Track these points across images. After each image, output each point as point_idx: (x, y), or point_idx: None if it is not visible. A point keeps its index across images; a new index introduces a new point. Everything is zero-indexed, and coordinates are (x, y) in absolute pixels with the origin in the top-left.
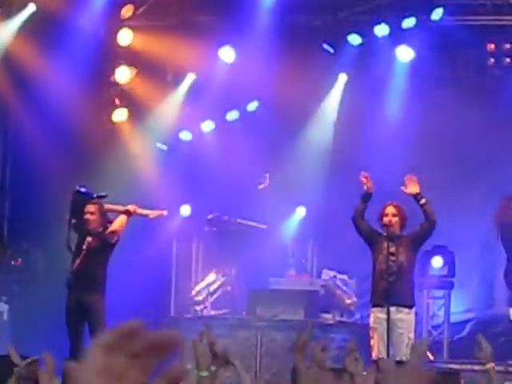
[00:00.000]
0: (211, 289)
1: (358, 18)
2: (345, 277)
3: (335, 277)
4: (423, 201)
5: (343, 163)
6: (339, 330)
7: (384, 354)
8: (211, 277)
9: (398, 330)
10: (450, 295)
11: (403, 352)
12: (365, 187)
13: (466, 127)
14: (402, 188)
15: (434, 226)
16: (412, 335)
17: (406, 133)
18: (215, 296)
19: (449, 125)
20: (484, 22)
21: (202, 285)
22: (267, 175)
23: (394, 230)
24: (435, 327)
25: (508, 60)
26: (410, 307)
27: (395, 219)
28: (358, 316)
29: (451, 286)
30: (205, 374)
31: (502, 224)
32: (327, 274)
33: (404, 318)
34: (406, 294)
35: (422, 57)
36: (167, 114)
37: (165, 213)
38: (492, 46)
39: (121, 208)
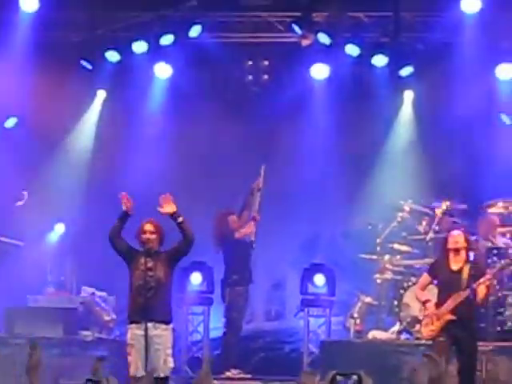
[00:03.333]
0: None
1: (117, 35)
2: (104, 294)
3: (94, 294)
4: (180, 219)
5: (101, 180)
6: (98, 347)
7: (142, 371)
8: None
9: (155, 345)
10: (209, 311)
11: (161, 368)
12: (124, 207)
13: (224, 144)
14: (158, 208)
15: (192, 243)
16: (169, 351)
17: (164, 149)
18: None
19: (206, 142)
20: (242, 40)
21: None
22: (25, 192)
23: (152, 246)
24: (195, 343)
25: (265, 77)
26: (167, 323)
27: (153, 236)
28: (117, 333)
29: (210, 302)
30: None
31: (216, 237)
32: (86, 291)
33: (161, 333)
34: (163, 310)
35: (179, 73)
36: None
37: None
38: (250, 63)
39: None
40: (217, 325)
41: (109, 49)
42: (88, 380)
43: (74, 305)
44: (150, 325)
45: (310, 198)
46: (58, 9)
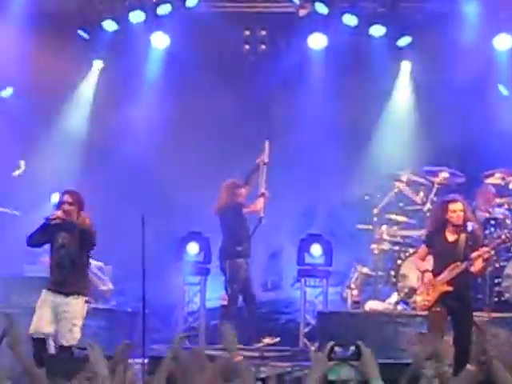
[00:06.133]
0: None
1: (114, 5)
2: (101, 263)
3: (90, 263)
4: None
5: (98, 150)
6: (94, 317)
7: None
8: None
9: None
10: (205, 281)
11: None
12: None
13: (221, 114)
14: None
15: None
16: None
17: (161, 119)
18: None
19: (204, 111)
20: (239, 9)
21: None
22: (22, 161)
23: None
24: (191, 313)
25: (263, 47)
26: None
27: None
28: (113, 303)
29: (207, 272)
30: None
31: (221, 206)
32: None
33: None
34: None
35: (177, 43)
36: None
37: None
38: (247, 33)
39: None
40: (213, 295)
41: (106, 18)
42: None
43: None
44: None
45: (307, 169)
46: None
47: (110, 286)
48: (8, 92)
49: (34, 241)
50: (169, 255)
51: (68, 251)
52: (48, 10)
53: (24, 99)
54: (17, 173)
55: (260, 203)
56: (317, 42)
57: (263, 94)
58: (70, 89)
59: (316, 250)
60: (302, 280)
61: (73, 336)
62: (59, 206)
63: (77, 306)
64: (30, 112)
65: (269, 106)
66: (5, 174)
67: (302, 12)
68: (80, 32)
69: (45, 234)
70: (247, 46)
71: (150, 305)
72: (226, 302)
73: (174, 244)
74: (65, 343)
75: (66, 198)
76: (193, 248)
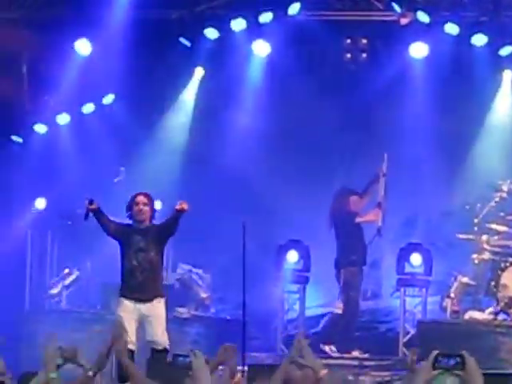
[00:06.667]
0: (66, 282)
1: (216, 12)
2: (200, 271)
3: (191, 271)
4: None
5: (199, 157)
6: (194, 324)
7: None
8: (66, 271)
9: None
10: (305, 289)
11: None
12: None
13: (322, 122)
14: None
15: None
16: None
17: (262, 127)
18: (70, 290)
19: (305, 118)
20: (341, 18)
21: (57, 278)
22: (123, 168)
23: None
24: (290, 321)
25: (364, 55)
26: None
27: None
28: (213, 310)
29: (306, 280)
30: (54, 375)
31: (334, 214)
32: (182, 268)
33: None
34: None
35: (278, 51)
36: (22, 107)
37: None
38: (348, 41)
39: None
40: (312, 303)
41: (208, 26)
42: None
43: (171, 281)
44: None
45: (408, 178)
46: None
47: (210, 293)
48: (109, 99)
49: (111, 231)
50: (268, 263)
51: (147, 254)
52: (150, 18)
53: (125, 106)
54: (117, 179)
55: (375, 214)
56: (418, 50)
57: (363, 103)
58: (170, 96)
59: (416, 259)
60: (402, 289)
61: (165, 339)
62: (132, 206)
63: (162, 309)
64: (130, 119)
65: (369, 116)
66: (105, 180)
67: (404, 21)
68: (182, 39)
69: (120, 233)
70: (348, 55)
71: (249, 312)
72: (340, 310)
73: (274, 252)
74: (160, 347)
75: (141, 198)
76: (292, 256)
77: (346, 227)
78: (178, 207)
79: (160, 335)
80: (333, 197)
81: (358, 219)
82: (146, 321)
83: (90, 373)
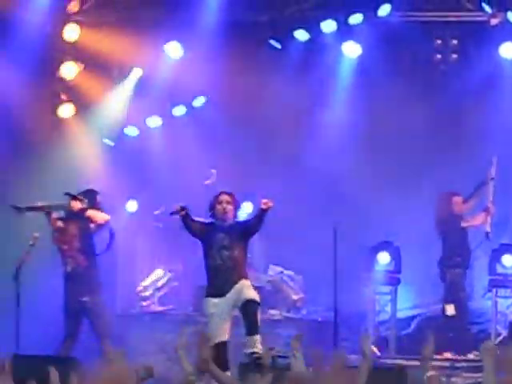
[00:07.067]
0: (158, 284)
1: (305, 14)
2: (292, 272)
3: (282, 272)
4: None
5: (289, 160)
6: (286, 326)
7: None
8: (158, 272)
9: None
10: (396, 291)
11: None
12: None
13: (412, 124)
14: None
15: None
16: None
17: (352, 129)
18: (162, 292)
19: (396, 120)
20: (431, 18)
21: (149, 280)
22: (214, 170)
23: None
24: (382, 323)
25: (454, 56)
26: None
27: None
28: (304, 312)
29: (398, 281)
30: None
31: (441, 218)
32: (274, 270)
33: None
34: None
35: (368, 53)
36: (113, 110)
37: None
38: (438, 42)
39: None
40: (404, 305)
41: (298, 28)
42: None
43: (262, 283)
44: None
45: (499, 180)
46: None
47: (301, 294)
48: (200, 101)
49: (195, 229)
50: (359, 265)
51: (230, 252)
52: (240, 20)
53: (216, 108)
54: (208, 182)
55: (482, 218)
56: (508, 51)
57: (454, 104)
58: (260, 97)
59: (508, 260)
60: (493, 290)
61: (255, 293)
62: (215, 205)
63: (248, 282)
64: (221, 121)
65: (459, 116)
66: (196, 182)
67: (494, 21)
68: (272, 42)
69: (203, 232)
70: (438, 56)
71: (340, 314)
72: (453, 312)
73: (365, 253)
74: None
75: (225, 197)
76: (384, 257)
77: (450, 229)
78: (263, 206)
79: (248, 291)
80: (437, 199)
81: (464, 223)
82: (236, 293)
83: (192, 377)
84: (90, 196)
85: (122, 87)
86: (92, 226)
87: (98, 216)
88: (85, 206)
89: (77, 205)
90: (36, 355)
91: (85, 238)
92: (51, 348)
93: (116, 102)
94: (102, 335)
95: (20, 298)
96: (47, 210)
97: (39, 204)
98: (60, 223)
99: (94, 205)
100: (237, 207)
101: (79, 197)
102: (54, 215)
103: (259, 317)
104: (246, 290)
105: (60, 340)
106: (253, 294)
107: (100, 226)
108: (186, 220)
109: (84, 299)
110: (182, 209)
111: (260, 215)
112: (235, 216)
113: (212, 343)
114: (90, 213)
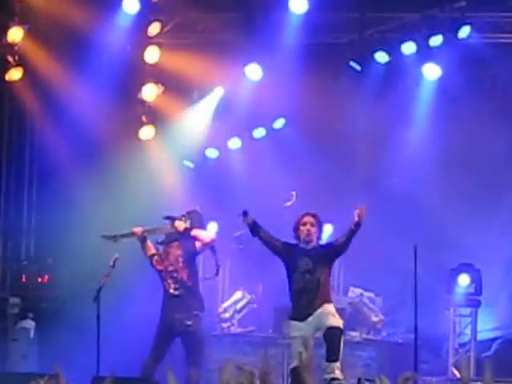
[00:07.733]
0: (238, 306)
1: (385, 36)
2: (371, 294)
3: (362, 294)
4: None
5: (369, 180)
6: (366, 348)
7: None
8: (238, 294)
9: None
10: (476, 313)
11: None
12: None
13: (493, 145)
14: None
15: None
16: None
17: (432, 151)
18: (242, 313)
19: (475, 142)
20: (511, 40)
21: (229, 302)
22: (294, 192)
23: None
24: (462, 345)
25: None
26: None
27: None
28: (384, 334)
29: (478, 304)
30: None
31: None
32: (354, 292)
33: None
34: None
35: (449, 75)
36: (193, 132)
37: None
38: None
39: None
40: (484, 327)
41: (378, 50)
42: (360, 379)
43: (343, 305)
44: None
45: None
46: (327, 10)
47: (381, 316)
48: (280, 123)
49: (277, 249)
50: (440, 287)
51: (313, 276)
52: (320, 42)
53: (295, 130)
54: (288, 203)
55: None
56: None
57: None
58: (340, 119)
59: None
60: None
61: (337, 320)
62: (299, 227)
63: (331, 307)
64: (301, 143)
65: None
66: (276, 204)
67: None
68: (352, 63)
69: (286, 253)
70: None
71: (420, 336)
72: None
73: (445, 275)
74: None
75: (309, 219)
76: (464, 279)
77: None
78: (356, 219)
79: (331, 318)
80: None
81: None
82: (318, 318)
83: None
84: (195, 216)
85: (203, 108)
86: (198, 244)
87: (203, 234)
88: (188, 225)
89: (181, 225)
90: (118, 377)
91: (189, 258)
92: (131, 371)
93: (196, 123)
94: (194, 363)
95: (100, 320)
96: (144, 235)
97: (144, 229)
98: (158, 247)
99: (197, 225)
100: (320, 229)
101: (182, 217)
102: (149, 241)
103: (342, 344)
104: (329, 315)
105: (142, 362)
106: (335, 321)
107: (206, 245)
108: (259, 232)
109: (188, 322)
110: (245, 213)
111: (349, 235)
112: (319, 238)
113: (295, 365)
114: (196, 232)
